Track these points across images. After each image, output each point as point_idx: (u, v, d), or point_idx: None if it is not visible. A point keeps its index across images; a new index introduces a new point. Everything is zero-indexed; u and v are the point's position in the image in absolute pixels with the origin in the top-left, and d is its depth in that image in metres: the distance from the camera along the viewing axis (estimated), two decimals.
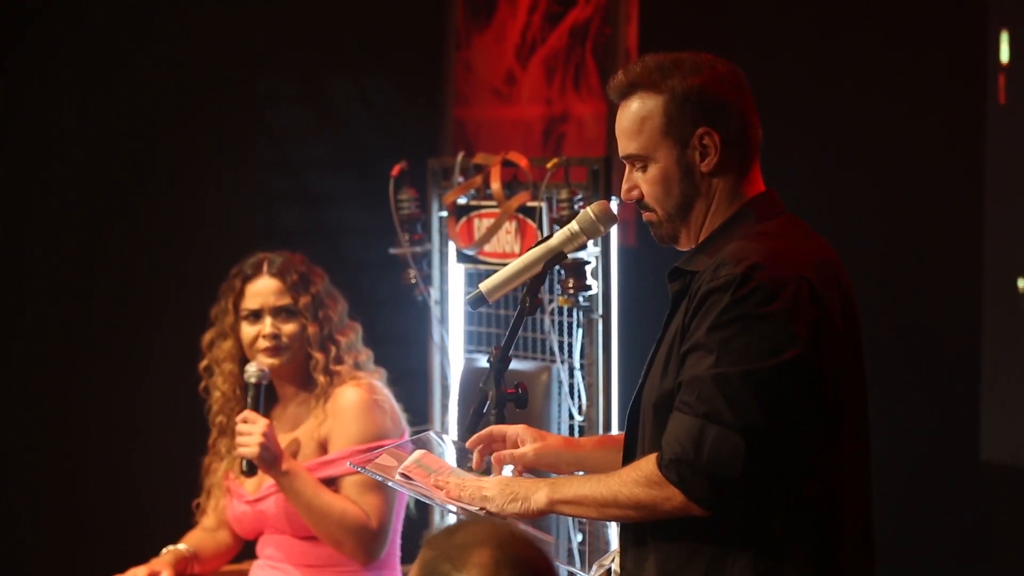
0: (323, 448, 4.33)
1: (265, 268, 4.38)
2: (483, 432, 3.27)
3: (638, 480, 2.93)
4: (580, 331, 4.45)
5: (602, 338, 4.41)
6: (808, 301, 2.89)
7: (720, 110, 3.01)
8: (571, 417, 4.47)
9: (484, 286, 3.29)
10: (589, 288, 4.32)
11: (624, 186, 3.09)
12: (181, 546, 4.43)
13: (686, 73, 3.01)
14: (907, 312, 5.00)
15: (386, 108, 6.46)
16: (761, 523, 2.92)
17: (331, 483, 4.27)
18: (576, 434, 4.46)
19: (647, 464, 2.93)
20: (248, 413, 4.23)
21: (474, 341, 4.86)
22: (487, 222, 4.66)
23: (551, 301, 4.45)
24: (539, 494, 3.03)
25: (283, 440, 4.35)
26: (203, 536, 4.48)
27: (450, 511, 3.25)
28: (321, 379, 4.34)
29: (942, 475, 5.01)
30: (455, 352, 4.90)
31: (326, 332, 4.37)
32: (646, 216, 3.09)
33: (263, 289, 4.36)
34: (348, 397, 4.33)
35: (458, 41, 6.50)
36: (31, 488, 6.17)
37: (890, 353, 4.79)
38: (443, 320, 4.93)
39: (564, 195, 4.37)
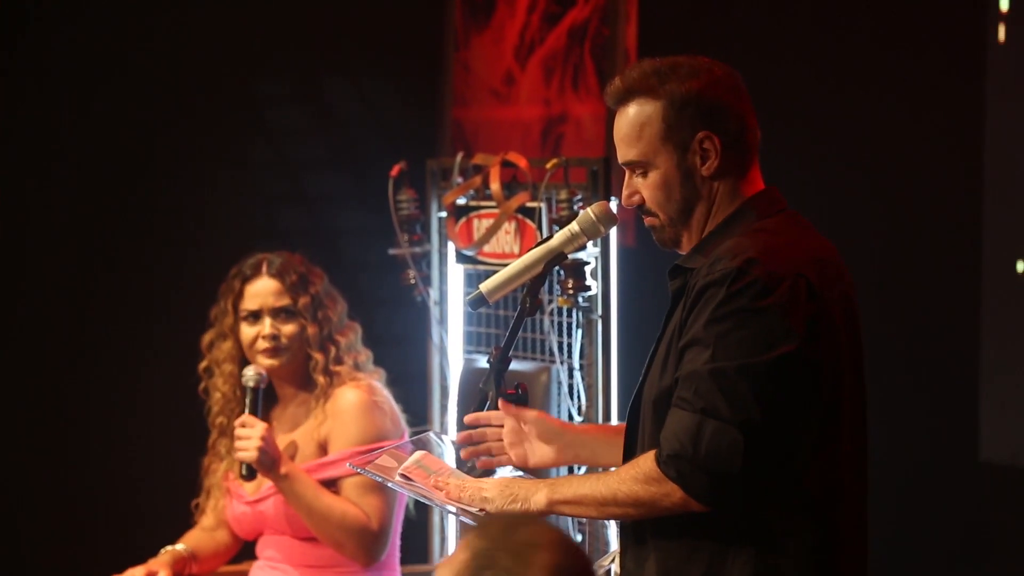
0: (323, 449, 4.33)
1: (264, 269, 4.38)
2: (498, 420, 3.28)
3: (637, 477, 2.94)
4: (579, 332, 4.45)
5: (601, 338, 4.41)
6: (805, 297, 2.90)
7: (719, 113, 3.01)
8: (571, 417, 4.47)
9: (484, 287, 3.29)
10: (589, 289, 4.32)
11: (624, 192, 3.09)
12: (179, 546, 4.43)
13: (683, 77, 3.01)
14: (906, 312, 5.00)
15: (385, 109, 6.46)
16: (760, 520, 2.92)
17: (331, 484, 4.27)
18: None
19: (646, 461, 2.94)
20: (246, 417, 4.23)
21: (473, 342, 4.86)
22: (486, 223, 4.66)
23: (551, 302, 4.45)
24: (539, 495, 3.04)
25: (283, 441, 4.35)
26: (201, 536, 4.48)
27: (450, 512, 3.25)
28: (321, 380, 4.34)
29: (941, 476, 5.00)
30: (454, 353, 4.90)
31: (325, 333, 4.37)
32: (648, 221, 3.10)
33: (262, 290, 4.36)
34: (348, 398, 4.32)
35: (457, 42, 6.50)
36: (30, 488, 6.16)
37: (889, 353, 4.79)
38: (442, 321, 4.92)
39: (563, 195, 4.37)
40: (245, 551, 4.50)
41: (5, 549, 6.12)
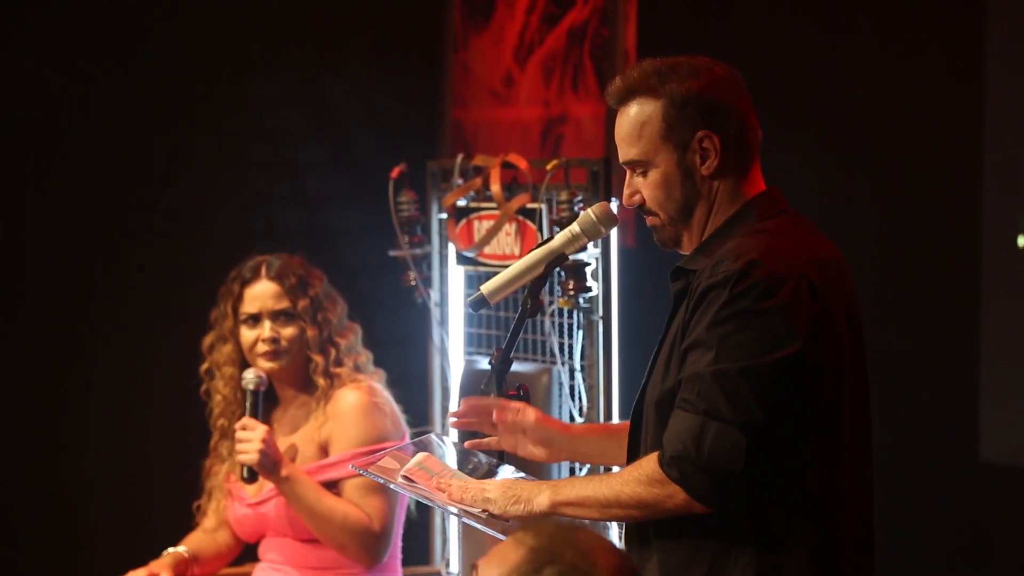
0: (324, 451, 4.33)
1: (263, 272, 4.38)
2: (500, 418, 3.28)
3: (640, 479, 2.94)
4: (580, 333, 4.45)
5: (602, 339, 4.41)
6: (807, 298, 2.90)
7: (719, 113, 3.02)
8: (572, 419, 4.47)
9: (485, 288, 3.29)
10: (589, 290, 4.32)
11: (625, 191, 3.10)
12: (181, 548, 4.43)
13: (684, 77, 3.02)
14: (906, 311, 5.00)
15: (384, 110, 6.46)
16: (763, 520, 2.93)
17: (332, 486, 4.28)
18: None
19: (648, 463, 2.94)
20: (247, 420, 4.23)
21: (474, 343, 4.86)
22: (487, 224, 4.66)
23: (551, 303, 4.46)
24: (541, 496, 3.04)
25: (284, 443, 4.35)
26: (203, 538, 4.48)
27: (451, 513, 3.25)
28: (321, 381, 4.35)
29: (941, 475, 5.00)
30: (455, 354, 4.90)
31: (325, 335, 4.37)
32: (649, 220, 3.10)
33: (261, 293, 4.36)
34: (348, 400, 4.33)
35: (456, 43, 6.50)
36: (31, 491, 6.16)
37: (889, 353, 4.79)
38: (443, 322, 4.93)
39: (564, 196, 4.37)
40: (248, 553, 4.50)
41: (7, 551, 6.12)
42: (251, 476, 4.21)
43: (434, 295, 4.93)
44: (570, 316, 4.47)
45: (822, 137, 5.12)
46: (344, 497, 4.26)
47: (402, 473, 3.24)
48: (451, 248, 4.84)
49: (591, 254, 4.32)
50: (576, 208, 4.33)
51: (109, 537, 6.04)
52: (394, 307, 5.33)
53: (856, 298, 3.06)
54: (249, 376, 4.30)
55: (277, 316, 4.35)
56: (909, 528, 4.92)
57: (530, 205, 4.54)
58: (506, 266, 3.36)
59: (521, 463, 3.37)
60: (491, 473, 3.32)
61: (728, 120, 3.02)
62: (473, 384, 4.53)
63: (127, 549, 4.59)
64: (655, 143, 3.03)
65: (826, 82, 5.15)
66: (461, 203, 4.76)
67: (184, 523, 4.52)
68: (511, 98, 6.27)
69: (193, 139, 6.24)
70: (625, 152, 3.07)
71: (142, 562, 4.36)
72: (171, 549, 4.43)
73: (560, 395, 4.46)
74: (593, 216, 3.24)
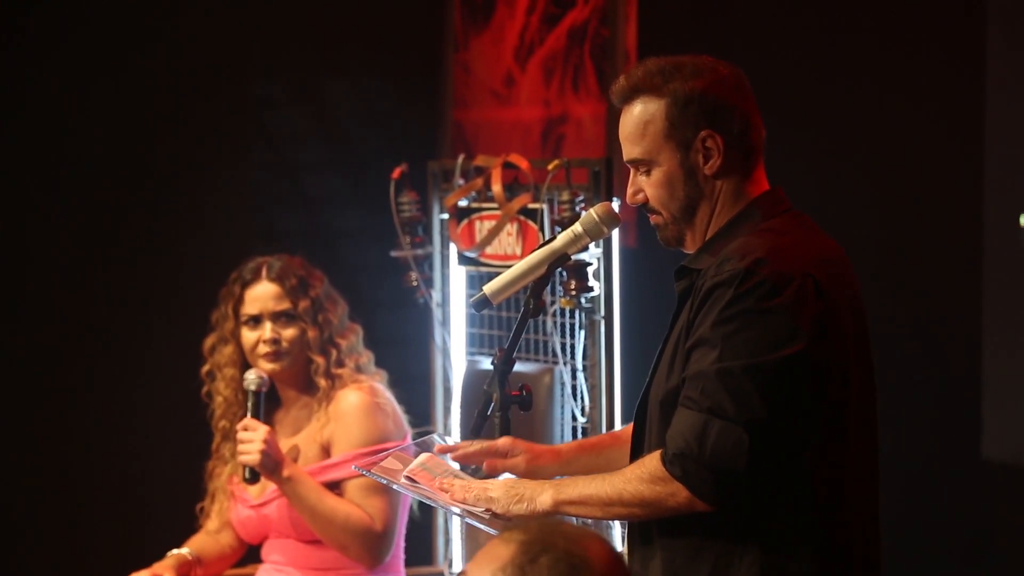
0: (326, 451, 4.33)
1: (264, 273, 4.38)
2: (471, 450, 3.27)
3: (642, 477, 2.94)
4: (582, 332, 4.45)
5: (604, 339, 4.41)
6: (812, 296, 2.90)
7: (722, 112, 3.02)
8: (574, 419, 4.47)
9: (488, 289, 3.29)
10: (591, 289, 4.32)
11: (629, 190, 3.11)
12: (184, 550, 4.43)
13: (687, 76, 3.02)
14: (908, 310, 5.00)
15: (385, 111, 6.46)
16: (767, 519, 2.93)
17: (335, 486, 4.28)
18: (580, 435, 4.46)
19: (651, 461, 2.94)
20: (248, 420, 4.23)
21: (476, 343, 4.86)
22: (488, 224, 4.66)
23: (553, 303, 4.46)
24: (544, 495, 3.04)
25: (286, 444, 4.35)
26: (206, 540, 4.48)
27: (454, 513, 3.25)
28: (322, 382, 4.35)
29: (943, 474, 5.01)
30: (457, 354, 4.90)
31: (326, 335, 4.37)
32: (652, 219, 3.10)
33: (262, 294, 4.36)
34: (350, 400, 4.33)
35: (456, 43, 6.50)
36: (34, 492, 6.16)
37: (891, 351, 4.78)
38: (445, 322, 4.93)
39: (565, 197, 4.37)
40: (251, 555, 4.50)
41: (11, 553, 6.12)
42: (253, 477, 4.21)
43: (436, 296, 4.93)
44: (572, 316, 4.47)
45: (822, 136, 5.12)
46: (346, 498, 4.26)
47: (405, 473, 3.24)
48: (452, 248, 4.84)
49: (593, 254, 4.32)
50: (577, 208, 4.34)
51: (113, 539, 6.04)
52: (396, 308, 5.33)
53: (860, 297, 3.06)
54: (251, 377, 4.30)
55: (278, 317, 4.35)
56: (911, 527, 4.92)
57: (531, 205, 4.54)
58: (508, 266, 3.36)
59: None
60: (494, 473, 3.32)
61: (731, 120, 3.03)
62: (475, 384, 4.53)
63: (131, 551, 4.59)
64: (658, 142, 3.04)
65: (826, 81, 5.15)
66: (462, 203, 4.76)
67: (187, 525, 4.52)
68: (512, 98, 6.27)
69: (193, 140, 6.24)
70: (628, 151, 3.07)
71: (145, 564, 4.35)
72: (174, 551, 4.42)
73: (562, 395, 4.46)
74: (595, 216, 3.24)
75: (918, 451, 4.95)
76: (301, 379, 4.39)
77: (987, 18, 4.85)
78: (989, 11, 4.84)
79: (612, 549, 2.16)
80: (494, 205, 4.63)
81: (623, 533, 3.34)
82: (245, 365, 4.38)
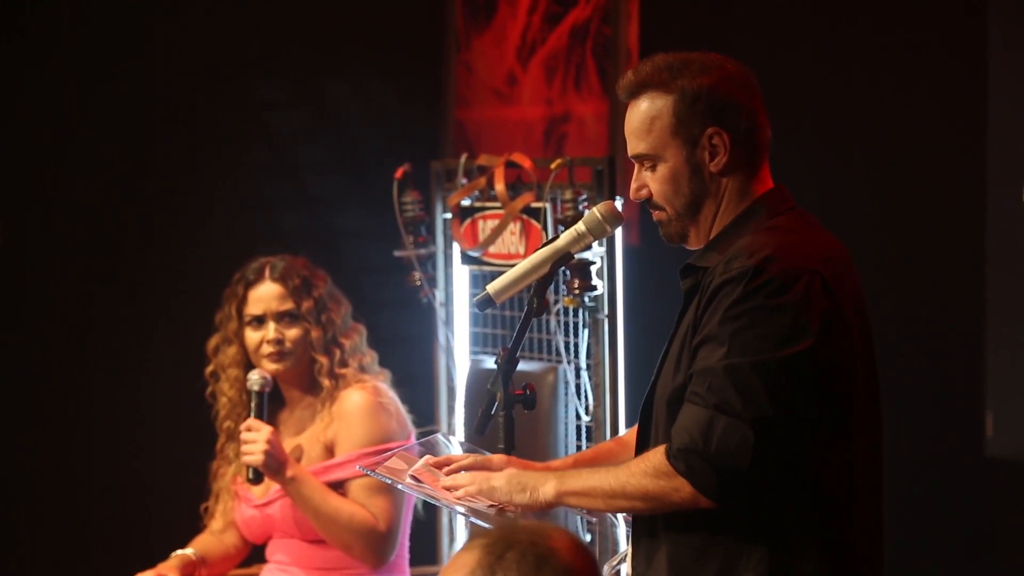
0: (329, 451, 4.33)
1: (267, 273, 4.38)
2: (464, 464, 3.26)
3: (646, 471, 2.94)
4: (586, 331, 4.45)
5: (608, 338, 4.40)
6: (820, 293, 2.90)
7: (729, 110, 3.02)
8: (578, 417, 4.47)
9: (491, 288, 3.29)
10: (595, 288, 4.32)
11: (633, 185, 3.10)
12: (188, 550, 4.43)
13: (695, 73, 3.02)
14: (911, 308, 5.00)
15: (387, 111, 6.46)
16: (775, 517, 2.92)
17: (338, 486, 4.28)
18: (584, 434, 4.46)
19: (656, 455, 2.94)
20: (252, 421, 4.23)
21: (479, 343, 4.86)
22: (491, 223, 4.66)
23: (556, 302, 4.46)
24: (547, 485, 3.04)
25: (290, 444, 4.35)
26: (210, 540, 4.48)
27: (459, 512, 3.25)
28: (326, 382, 4.35)
29: (948, 472, 5.00)
30: (461, 354, 4.90)
31: (330, 335, 4.37)
32: (656, 215, 3.10)
33: (266, 294, 4.36)
34: (353, 400, 4.32)
35: (458, 43, 6.50)
36: (38, 493, 6.16)
37: (895, 349, 4.78)
38: (448, 322, 4.93)
39: (568, 195, 4.37)
40: (256, 555, 4.50)
41: (15, 553, 6.12)
42: (256, 477, 4.21)
43: (439, 295, 4.93)
44: (576, 315, 4.47)
45: (823, 134, 5.12)
46: (350, 497, 4.26)
47: (409, 473, 3.24)
48: (456, 248, 4.84)
49: (596, 253, 4.32)
50: (580, 207, 4.34)
51: (117, 540, 6.05)
52: (399, 307, 5.33)
53: (863, 295, 3.06)
54: (254, 377, 4.30)
55: (281, 317, 4.35)
56: (916, 524, 4.91)
57: (534, 204, 4.54)
58: (511, 265, 3.36)
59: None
60: None
61: (738, 117, 3.03)
62: (479, 384, 4.53)
63: (135, 551, 4.59)
64: (664, 138, 3.04)
65: (826, 79, 5.15)
66: (465, 203, 4.76)
67: (191, 525, 4.52)
68: (514, 97, 6.27)
69: (195, 141, 6.24)
70: (634, 146, 3.07)
71: (150, 564, 4.35)
72: (179, 551, 4.42)
73: (566, 394, 4.46)
74: (599, 215, 3.23)
75: (922, 449, 4.94)
76: (305, 379, 4.39)
77: (987, 16, 4.85)
78: (989, 9, 4.84)
79: (575, 537, 2.18)
80: (497, 204, 4.63)
81: (628, 532, 3.34)
82: (249, 365, 4.38)
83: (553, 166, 4.45)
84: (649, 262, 4.79)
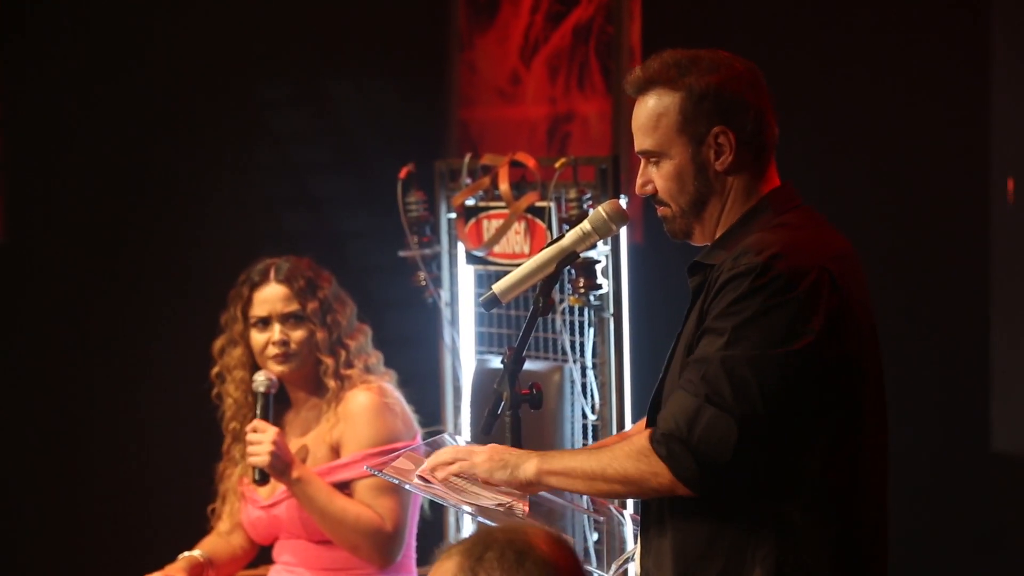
0: (335, 452, 4.33)
1: (272, 275, 4.38)
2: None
3: (629, 453, 2.94)
4: (592, 330, 4.45)
5: (614, 336, 4.41)
6: (827, 291, 2.90)
7: (736, 109, 3.02)
8: (584, 416, 4.47)
9: (497, 287, 3.29)
10: (600, 287, 4.32)
11: (638, 180, 3.11)
12: (196, 552, 4.43)
13: (704, 71, 3.02)
14: (916, 304, 5.00)
15: (390, 110, 6.46)
16: (782, 512, 2.92)
17: (344, 486, 4.28)
18: (590, 433, 4.46)
19: (640, 438, 2.95)
20: (257, 422, 4.24)
21: (485, 342, 4.86)
22: (496, 223, 4.66)
23: (562, 301, 4.46)
24: (528, 464, 3.04)
25: (296, 445, 4.36)
26: (218, 542, 4.49)
27: (466, 512, 3.25)
28: (332, 383, 4.35)
29: (953, 468, 5.00)
30: (466, 353, 4.90)
31: (335, 337, 4.37)
32: (660, 211, 3.11)
33: (271, 296, 4.37)
34: (359, 401, 4.33)
35: (461, 42, 6.50)
36: (45, 496, 6.17)
37: (900, 345, 4.78)
38: (454, 322, 4.93)
39: (573, 194, 4.37)
40: (263, 555, 4.51)
41: (22, 556, 6.13)
42: (263, 478, 4.21)
43: (444, 295, 4.93)
44: (581, 314, 4.47)
45: (827, 132, 5.12)
46: (356, 498, 4.27)
47: (417, 473, 3.24)
48: (460, 248, 4.84)
49: (601, 251, 4.32)
50: (585, 206, 4.34)
51: (124, 542, 6.05)
52: (404, 307, 5.33)
53: (868, 292, 3.06)
54: (260, 379, 4.31)
55: (286, 319, 4.35)
56: (921, 520, 4.92)
57: (539, 203, 4.54)
58: (516, 265, 3.36)
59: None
60: None
61: (745, 117, 3.03)
62: (485, 383, 4.53)
63: (142, 553, 4.59)
64: (671, 135, 3.04)
65: (829, 77, 5.15)
66: (470, 202, 4.76)
67: (198, 527, 4.52)
68: (517, 97, 6.27)
69: (199, 142, 6.24)
70: (640, 141, 3.08)
71: (157, 566, 4.36)
72: (186, 553, 4.43)
73: (572, 393, 4.46)
74: (604, 214, 3.24)
75: (928, 445, 4.94)
76: (311, 380, 4.39)
77: (991, 12, 4.85)
78: (993, 6, 4.84)
79: (553, 532, 2.20)
80: (501, 204, 4.63)
81: (635, 531, 3.34)
82: (255, 367, 4.39)
83: (557, 165, 4.45)
84: (654, 261, 4.80)
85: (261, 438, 4.19)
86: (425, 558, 4.56)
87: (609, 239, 4.26)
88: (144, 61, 6.17)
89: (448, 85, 6.55)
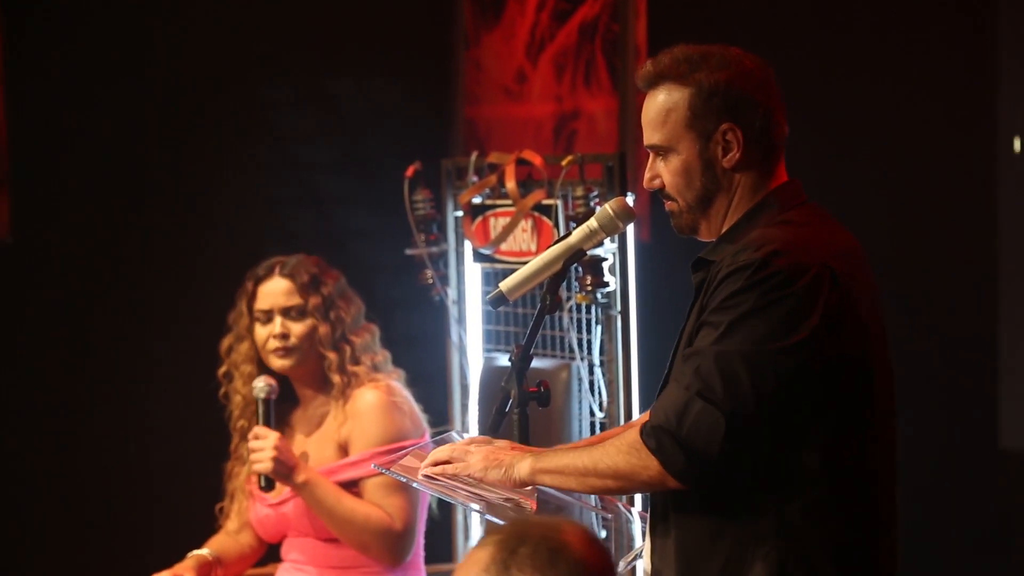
0: (344, 450, 4.34)
1: (277, 270, 4.39)
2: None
3: (620, 448, 2.95)
4: (599, 328, 4.46)
5: (621, 334, 4.41)
6: (827, 289, 2.90)
7: (745, 106, 3.02)
8: (592, 414, 4.47)
9: (504, 285, 3.29)
10: (607, 284, 4.32)
11: (646, 174, 3.11)
12: (204, 550, 4.44)
13: (713, 67, 3.02)
14: (924, 300, 5.00)
15: (396, 109, 6.46)
16: (785, 507, 2.92)
17: (353, 485, 4.28)
18: (598, 430, 4.46)
19: (631, 432, 2.96)
20: (258, 429, 4.24)
21: (492, 340, 4.87)
22: (503, 221, 4.67)
23: (569, 298, 4.46)
24: (523, 463, 3.05)
25: (304, 443, 4.36)
26: (226, 540, 4.49)
27: (474, 510, 3.25)
28: (336, 378, 4.34)
29: (961, 464, 5.00)
30: (474, 351, 4.90)
31: (339, 333, 4.37)
32: (667, 205, 3.11)
33: (273, 290, 4.38)
34: (367, 399, 4.33)
35: (467, 40, 6.50)
36: (53, 495, 6.17)
37: (908, 342, 4.78)
38: (461, 320, 4.93)
39: (579, 192, 4.37)
40: (272, 554, 4.51)
41: (31, 555, 6.13)
42: (268, 484, 4.22)
43: (451, 293, 4.93)
44: (588, 311, 4.47)
45: (834, 130, 5.12)
46: (365, 496, 4.27)
47: (423, 471, 3.24)
48: (467, 246, 4.84)
49: (608, 249, 4.32)
50: (592, 203, 4.34)
51: (133, 541, 6.05)
52: (412, 306, 5.33)
53: (876, 289, 3.06)
54: (259, 384, 4.31)
55: (288, 313, 4.36)
56: (929, 516, 4.92)
57: (546, 201, 4.54)
58: (523, 262, 3.37)
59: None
60: None
61: (754, 114, 3.02)
62: (492, 381, 4.53)
63: (151, 552, 4.59)
64: (679, 130, 3.04)
65: (836, 75, 5.15)
66: (476, 200, 4.76)
67: (207, 526, 4.53)
68: (523, 95, 6.27)
69: (203, 142, 6.24)
70: (649, 136, 3.08)
71: (166, 565, 4.36)
72: (194, 552, 4.43)
73: (580, 391, 4.46)
74: (611, 211, 3.24)
75: (937, 442, 4.94)
76: (317, 377, 4.39)
77: (998, 7, 4.85)
78: (1000, 5, 4.84)
79: (588, 531, 2.19)
80: (508, 202, 4.63)
81: (643, 528, 3.34)
82: (261, 362, 4.39)
83: (564, 163, 4.45)
84: (661, 258, 4.79)
85: (263, 444, 4.19)
86: (433, 556, 4.56)
87: (616, 237, 4.27)
88: (149, 61, 6.17)
89: (454, 83, 6.55)
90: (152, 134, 6.20)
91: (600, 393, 4.46)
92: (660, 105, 3.06)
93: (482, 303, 4.86)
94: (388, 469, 3.26)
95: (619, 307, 4.40)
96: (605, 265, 4.33)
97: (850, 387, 2.93)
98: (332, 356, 4.34)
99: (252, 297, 4.39)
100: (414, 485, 3.24)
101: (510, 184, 4.60)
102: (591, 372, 4.47)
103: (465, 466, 3.09)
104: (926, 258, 5.02)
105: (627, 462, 2.93)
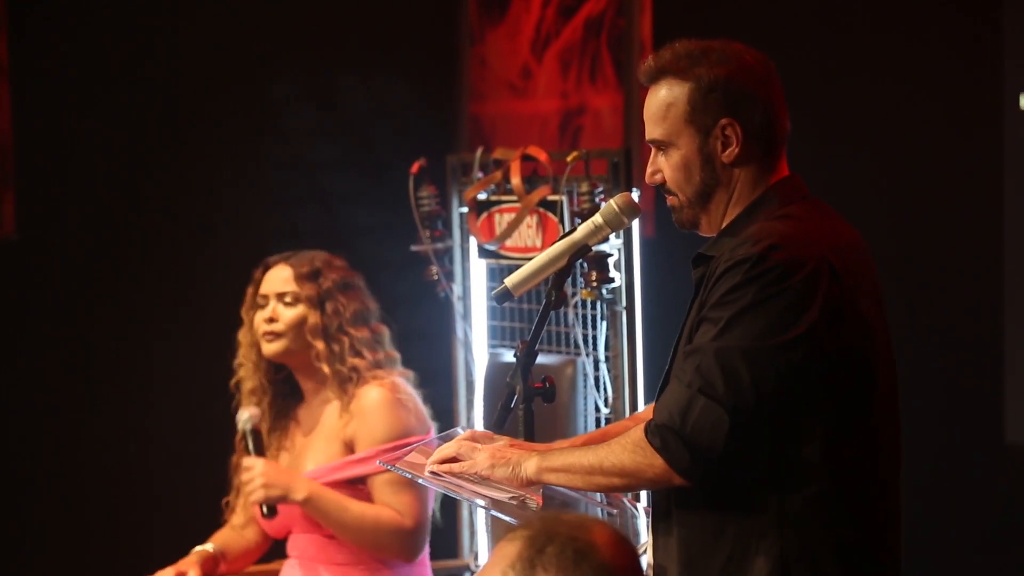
0: (349, 448, 4.34)
1: (283, 259, 4.41)
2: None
3: (625, 446, 2.95)
4: (604, 323, 4.46)
5: (626, 330, 4.41)
6: (826, 283, 2.90)
7: (745, 102, 3.02)
8: (597, 410, 4.47)
9: (509, 281, 3.30)
10: (612, 280, 4.32)
11: (648, 169, 3.12)
12: (208, 546, 4.44)
13: (714, 63, 3.02)
14: (929, 295, 5.00)
15: (401, 106, 6.46)
16: (787, 501, 2.92)
17: (359, 482, 4.28)
18: (603, 426, 4.45)
19: (635, 431, 2.96)
20: (245, 460, 4.27)
21: (498, 336, 4.87)
22: (508, 217, 4.67)
23: (574, 294, 4.46)
24: (529, 462, 3.05)
25: (308, 441, 4.36)
26: (230, 535, 4.49)
27: (479, 506, 3.25)
28: (325, 368, 4.33)
29: (967, 459, 5.00)
30: (479, 347, 4.90)
31: (335, 325, 4.36)
32: (669, 200, 3.12)
33: (274, 277, 4.40)
34: (372, 396, 4.33)
35: (472, 36, 6.50)
36: (58, 491, 6.18)
37: (912, 337, 4.79)
38: (466, 316, 4.93)
39: (585, 188, 4.37)
40: (277, 550, 4.51)
41: (35, 551, 6.14)
42: (271, 511, 4.23)
43: (457, 289, 4.93)
44: (593, 307, 4.47)
45: (839, 126, 5.12)
46: (374, 495, 4.27)
47: (428, 468, 3.24)
48: (473, 242, 4.84)
49: (613, 245, 4.32)
50: (597, 199, 4.34)
51: (137, 536, 6.06)
52: (417, 302, 5.33)
53: (879, 283, 3.06)
54: (244, 416, 4.34)
55: (282, 298, 4.37)
56: (934, 511, 4.91)
57: (551, 197, 4.54)
58: (528, 258, 3.36)
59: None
60: None
61: (754, 110, 3.02)
62: (498, 377, 4.53)
63: (155, 547, 4.60)
64: (679, 125, 3.04)
65: (840, 72, 5.15)
66: (482, 197, 4.76)
67: (208, 526, 4.53)
68: (529, 91, 6.27)
69: (209, 140, 6.24)
70: (650, 131, 3.08)
71: (170, 560, 4.36)
72: (198, 547, 4.44)
73: (585, 386, 4.46)
74: (616, 207, 3.24)
75: (942, 437, 4.94)
76: (315, 369, 4.39)
77: (1004, 5, 4.84)
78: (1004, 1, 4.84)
79: (616, 531, 2.19)
80: (513, 198, 4.63)
81: (648, 524, 3.34)
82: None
83: (569, 159, 4.45)
84: (666, 253, 4.79)
85: (251, 475, 4.21)
86: (437, 552, 4.57)
87: (621, 232, 4.26)
88: (155, 59, 6.18)
89: (459, 80, 6.55)
90: (157, 132, 6.21)
91: (605, 389, 4.46)
92: (661, 100, 3.06)
93: (487, 299, 4.86)
94: (394, 465, 3.26)
95: (624, 303, 4.40)
96: (610, 261, 4.33)
97: (851, 381, 2.93)
98: (320, 346, 4.34)
99: (258, 284, 4.42)
100: (420, 481, 3.25)
101: (515, 180, 4.60)
102: (596, 368, 4.47)
103: (472, 464, 3.10)
104: (930, 253, 5.02)
105: (632, 460, 2.94)
